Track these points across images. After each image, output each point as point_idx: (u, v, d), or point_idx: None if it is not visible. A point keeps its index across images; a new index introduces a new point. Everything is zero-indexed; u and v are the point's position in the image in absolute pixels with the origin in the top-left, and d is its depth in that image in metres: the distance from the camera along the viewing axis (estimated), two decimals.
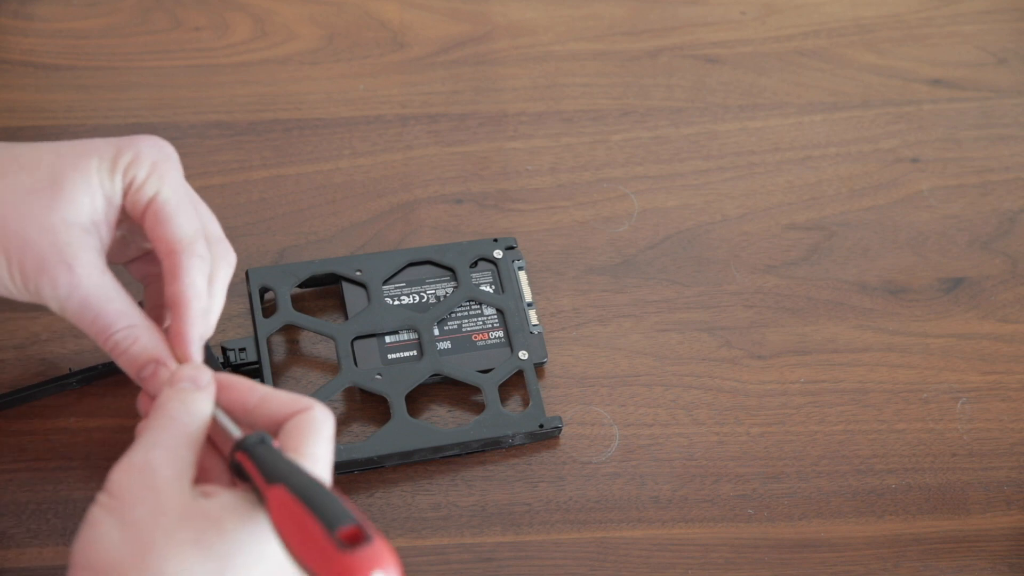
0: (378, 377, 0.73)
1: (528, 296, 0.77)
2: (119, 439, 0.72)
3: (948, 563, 0.72)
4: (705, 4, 0.91)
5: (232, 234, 0.79)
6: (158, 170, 0.61)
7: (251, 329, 0.75)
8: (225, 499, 0.54)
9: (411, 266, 0.78)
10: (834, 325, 0.79)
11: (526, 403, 0.74)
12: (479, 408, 0.74)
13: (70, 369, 0.73)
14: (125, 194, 0.61)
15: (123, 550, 0.52)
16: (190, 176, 0.81)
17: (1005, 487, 0.74)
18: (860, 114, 0.87)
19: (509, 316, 0.76)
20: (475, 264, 0.78)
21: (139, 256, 0.67)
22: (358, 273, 0.76)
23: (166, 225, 0.61)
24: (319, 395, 0.72)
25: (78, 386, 0.73)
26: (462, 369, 0.74)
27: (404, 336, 0.75)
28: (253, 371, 0.73)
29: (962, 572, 0.71)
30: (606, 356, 0.77)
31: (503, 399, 0.74)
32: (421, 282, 0.77)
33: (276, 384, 0.73)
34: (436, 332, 0.75)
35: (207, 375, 0.59)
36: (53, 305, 0.60)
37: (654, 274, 0.80)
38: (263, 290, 0.76)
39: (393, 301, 0.76)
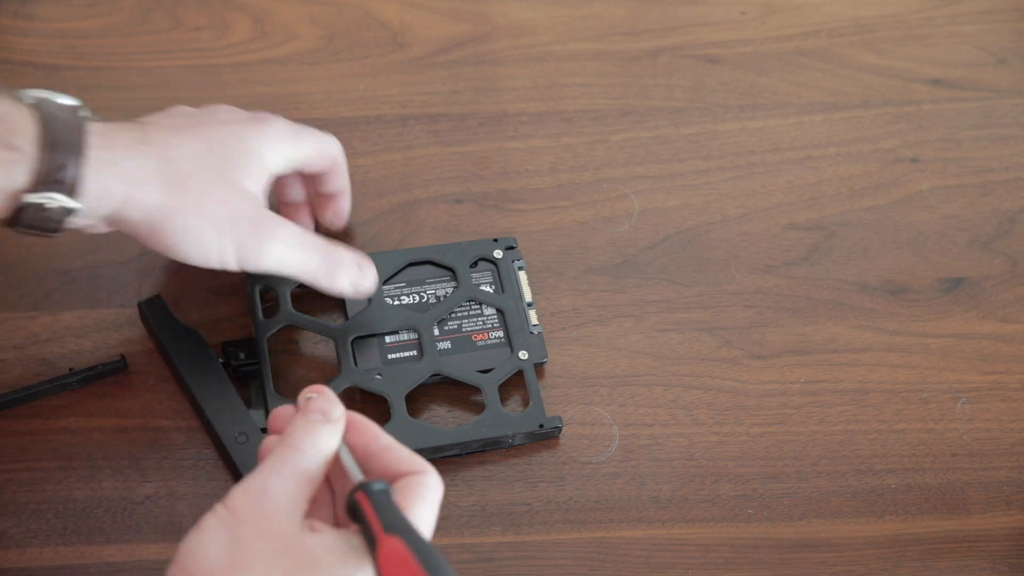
0: (378, 377, 0.73)
1: (528, 296, 0.77)
2: (119, 439, 0.72)
3: (948, 563, 0.72)
4: (705, 4, 0.91)
5: None
6: (286, 140, 0.71)
7: (251, 330, 0.75)
8: (328, 537, 0.56)
9: (411, 266, 0.77)
10: (834, 325, 0.79)
11: (526, 403, 0.74)
12: (479, 408, 0.74)
13: (70, 369, 0.73)
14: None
15: (222, 562, 0.54)
16: None
17: (1005, 487, 0.74)
18: (860, 114, 0.87)
19: (509, 316, 0.76)
20: (475, 264, 0.78)
21: None
22: None
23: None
24: None
25: (78, 386, 0.73)
26: (462, 369, 0.74)
27: (404, 336, 0.75)
28: (253, 371, 0.73)
29: (962, 572, 0.71)
30: (606, 356, 0.77)
31: (503, 399, 0.74)
32: (421, 282, 0.77)
33: (275, 385, 0.73)
34: (436, 332, 0.75)
35: (339, 410, 0.60)
36: (257, 267, 0.68)
37: (654, 274, 0.80)
38: (264, 291, 0.76)
39: (393, 301, 0.76)
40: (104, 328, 0.75)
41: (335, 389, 0.71)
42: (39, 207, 0.62)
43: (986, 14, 0.92)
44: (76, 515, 0.70)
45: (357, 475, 0.58)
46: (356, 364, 0.74)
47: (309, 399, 0.60)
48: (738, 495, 0.73)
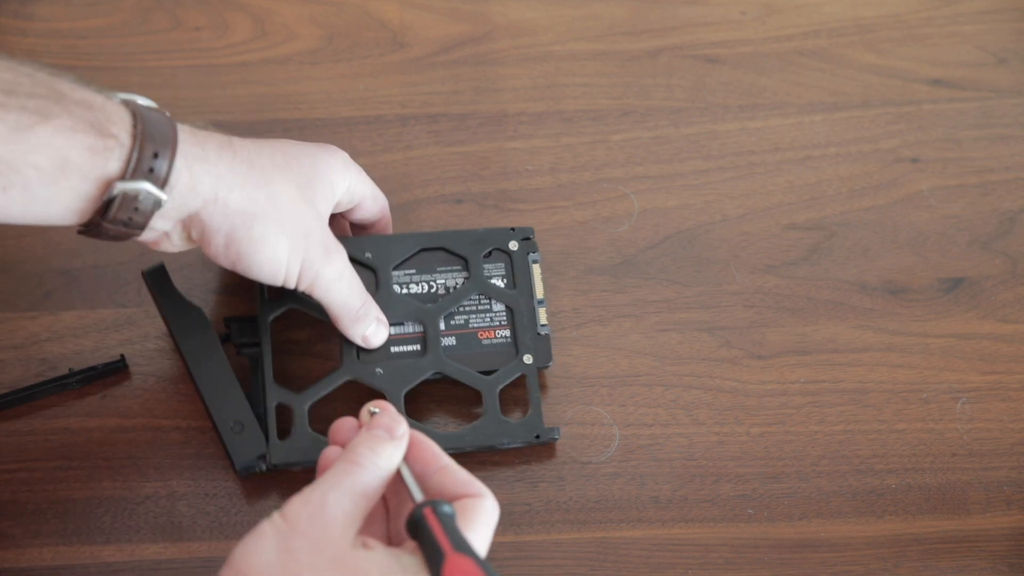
0: (379, 372, 0.72)
1: (540, 293, 0.75)
2: (119, 439, 0.72)
3: (948, 563, 0.72)
4: (705, 4, 0.91)
5: None
6: (352, 173, 0.72)
7: (256, 309, 0.74)
8: (380, 555, 0.56)
9: (424, 252, 0.75)
10: (834, 325, 0.79)
11: (525, 409, 0.74)
12: (479, 407, 0.74)
13: (70, 369, 0.73)
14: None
15: (273, 568, 0.55)
16: None
17: (1005, 487, 0.74)
18: (860, 114, 0.87)
19: (518, 315, 0.74)
20: (489, 255, 0.76)
21: None
22: (368, 256, 0.74)
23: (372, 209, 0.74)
24: (317, 389, 0.71)
25: (78, 386, 0.73)
26: (465, 371, 0.73)
27: (409, 328, 0.74)
28: (253, 353, 0.72)
29: (962, 572, 0.71)
30: (606, 356, 0.77)
31: (503, 401, 0.74)
32: (432, 270, 0.75)
33: (275, 369, 0.72)
34: (442, 327, 0.74)
35: (403, 428, 0.61)
36: (311, 287, 0.68)
37: (654, 274, 0.80)
38: None
39: (402, 289, 0.74)
40: (104, 328, 0.75)
41: (335, 382, 0.71)
42: (130, 197, 0.61)
43: (986, 14, 0.92)
44: (76, 515, 0.70)
45: (418, 494, 0.59)
46: (358, 356, 0.73)
47: (373, 414, 0.61)
48: (738, 495, 0.73)
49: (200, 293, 0.77)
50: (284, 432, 0.71)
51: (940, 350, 0.78)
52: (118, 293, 0.77)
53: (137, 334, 0.75)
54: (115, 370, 0.74)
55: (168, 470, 0.72)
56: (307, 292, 0.69)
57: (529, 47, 0.88)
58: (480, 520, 0.58)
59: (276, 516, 0.56)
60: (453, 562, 0.54)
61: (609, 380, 0.76)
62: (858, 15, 0.91)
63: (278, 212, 0.66)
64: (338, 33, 0.88)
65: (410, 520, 0.57)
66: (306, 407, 0.71)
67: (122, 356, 0.74)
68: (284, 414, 0.71)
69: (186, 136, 0.63)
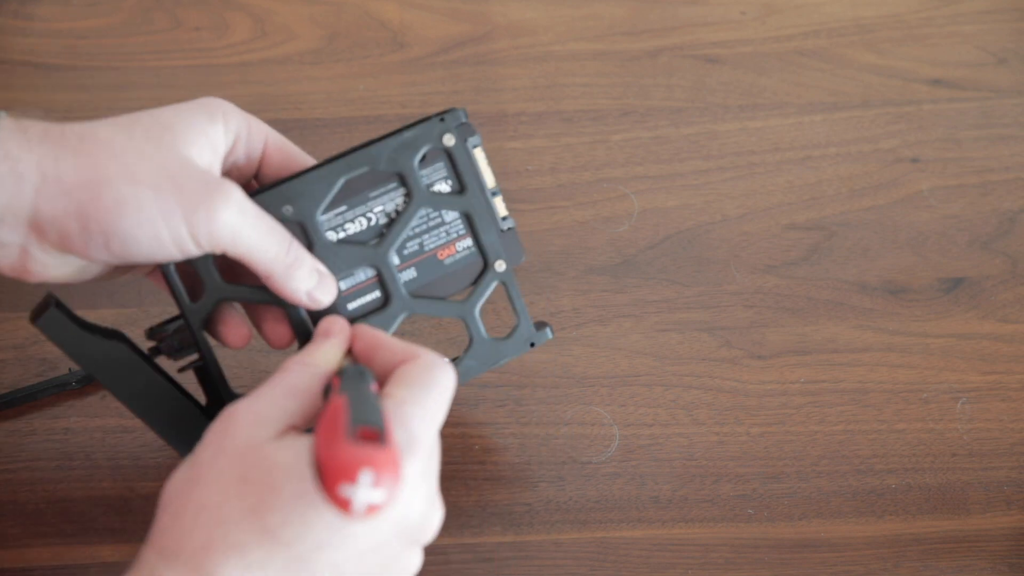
0: None
1: (491, 182, 0.65)
2: (119, 439, 0.72)
3: (948, 563, 0.72)
4: (705, 4, 0.91)
5: None
6: (247, 119, 0.61)
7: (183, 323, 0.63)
8: (293, 443, 0.53)
9: (348, 182, 0.63)
10: (834, 325, 0.79)
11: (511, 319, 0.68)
12: (463, 333, 0.68)
13: (70, 369, 0.73)
14: (234, 144, 0.61)
15: (179, 484, 0.54)
16: None
17: (1005, 487, 0.74)
18: (860, 114, 0.87)
19: (477, 218, 0.64)
20: (423, 159, 0.64)
21: None
22: (287, 210, 0.62)
23: (289, 155, 0.63)
24: None
25: (78, 386, 0.73)
26: (436, 305, 0.65)
27: (361, 276, 0.64)
28: (199, 368, 0.64)
29: (962, 572, 0.71)
30: (606, 356, 0.77)
31: (485, 318, 0.67)
32: (365, 199, 0.63)
33: (230, 373, 0.66)
34: (396, 261, 0.64)
35: (338, 325, 0.59)
36: (210, 240, 0.57)
37: (654, 274, 0.80)
38: (178, 267, 0.62)
39: (338, 233, 0.63)
40: None
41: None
42: None
43: (986, 14, 0.92)
44: (76, 515, 0.70)
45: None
46: (314, 326, 0.63)
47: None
48: (738, 495, 0.73)
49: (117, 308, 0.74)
50: None
51: (940, 350, 0.78)
52: (118, 293, 0.77)
53: (137, 334, 0.75)
54: None
55: (168, 470, 0.71)
56: (214, 251, 0.58)
57: (529, 47, 0.88)
58: (418, 380, 0.55)
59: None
60: (329, 404, 0.52)
61: (609, 380, 0.76)
62: (858, 15, 0.91)
63: (128, 168, 0.55)
64: (338, 33, 0.88)
65: (323, 391, 0.55)
66: None
67: None
68: None
69: (3, 123, 0.55)
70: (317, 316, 0.63)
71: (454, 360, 0.66)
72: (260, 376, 0.74)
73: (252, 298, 0.62)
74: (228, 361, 0.74)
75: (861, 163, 0.85)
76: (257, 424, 0.54)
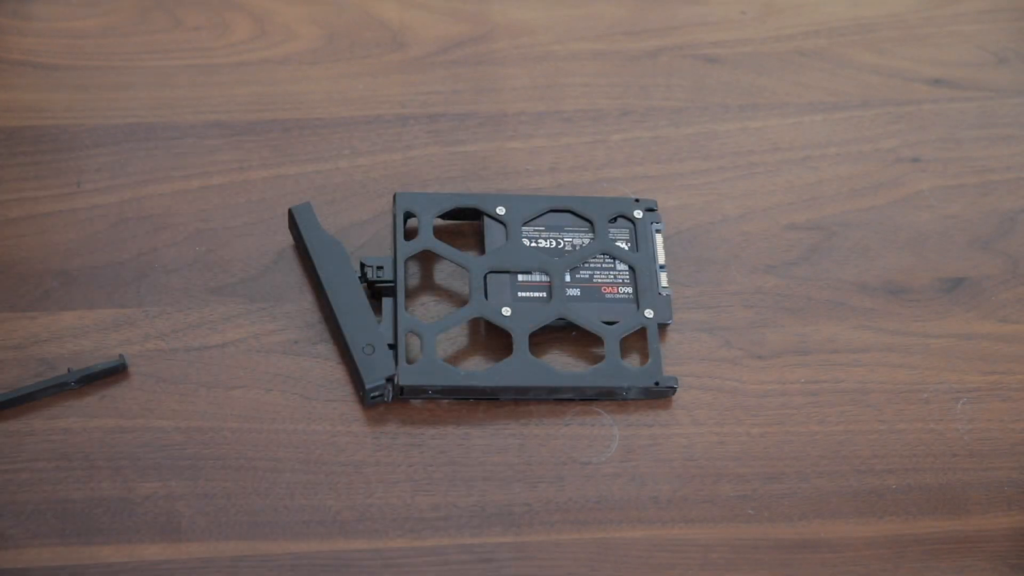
0: (506, 312, 0.75)
1: (662, 259, 0.78)
2: (119, 439, 0.72)
3: (948, 563, 0.71)
4: (705, 4, 0.91)
5: (232, 234, 0.80)
6: None
7: (391, 250, 0.78)
8: None
9: (552, 212, 0.79)
10: (834, 325, 0.79)
11: (644, 360, 0.76)
12: (598, 359, 0.75)
13: (69, 369, 0.73)
14: None
15: None
16: (190, 176, 0.82)
17: (1005, 487, 0.74)
18: (860, 114, 0.87)
19: (640, 274, 0.77)
20: (614, 220, 0.79)
21: None
22: (500, 211, 0.78)
23: None
24: (447, 322, 0.75)
25: (78, 386, 0.73)
26: (587, 318, 0.75)
27: (536, 277, 0.77)
28: (388, 289, 0.75)
29: (962, 572, 0.71)
30: None
31: (623, 353, 0.76)
32: (560, 229, 0.79)
33: (407, 308, 0.76)
34: (567, 278, 0.77)
35: None
36: None
37: None
38: (407, 215, 0.78)
39: (530, 243, 0.78)
40: (104, 328, 0.75)
41: (463, 318, 0.75)
42: None
43: (986, 14, 0.92)
44: (75, 515, 0.70)
45: None
46: (487, 297, 0.76)
47: None
48: (738, 495, 0.73)
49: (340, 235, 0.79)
50: (412, 361, 0.74)
51: (940, 350, 0.78)
52: (117, 293, 0.77)
53: (136, 334, 0.75)
54: (114, 370, 0.74)
55: (167, 470, 0.72)
56: None
57: (529, 47, 0.88)
58: None
59: None
60: None
61: None
62: (858, 15, 0.91)
63: None
64: (338, 33, 0.88)
65: None
66: (435, 336, 0.74)
67: (121, 356, 0.74)
68: (412, 346, 0.75)
69: None
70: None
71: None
72: (260, 376, 0.74)
73: (450, 256, 0.77)
74: (228, 361, 0.75)
75: (861, 163, 0.85)
76: None
